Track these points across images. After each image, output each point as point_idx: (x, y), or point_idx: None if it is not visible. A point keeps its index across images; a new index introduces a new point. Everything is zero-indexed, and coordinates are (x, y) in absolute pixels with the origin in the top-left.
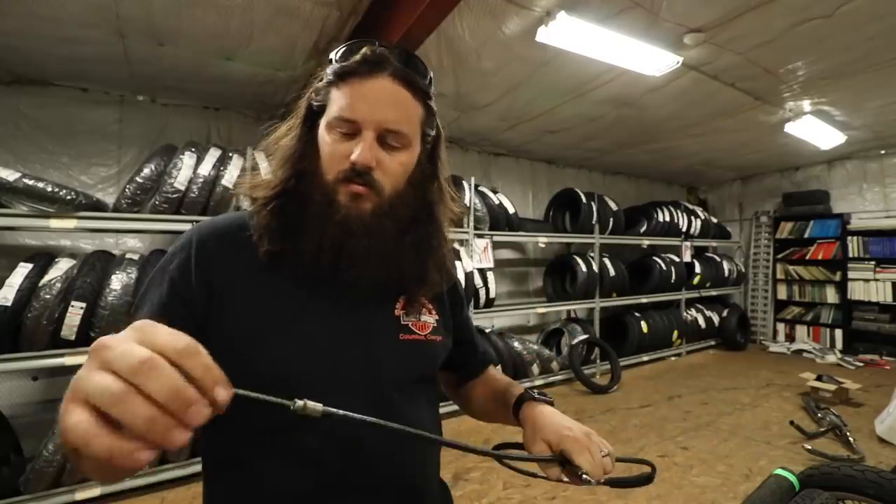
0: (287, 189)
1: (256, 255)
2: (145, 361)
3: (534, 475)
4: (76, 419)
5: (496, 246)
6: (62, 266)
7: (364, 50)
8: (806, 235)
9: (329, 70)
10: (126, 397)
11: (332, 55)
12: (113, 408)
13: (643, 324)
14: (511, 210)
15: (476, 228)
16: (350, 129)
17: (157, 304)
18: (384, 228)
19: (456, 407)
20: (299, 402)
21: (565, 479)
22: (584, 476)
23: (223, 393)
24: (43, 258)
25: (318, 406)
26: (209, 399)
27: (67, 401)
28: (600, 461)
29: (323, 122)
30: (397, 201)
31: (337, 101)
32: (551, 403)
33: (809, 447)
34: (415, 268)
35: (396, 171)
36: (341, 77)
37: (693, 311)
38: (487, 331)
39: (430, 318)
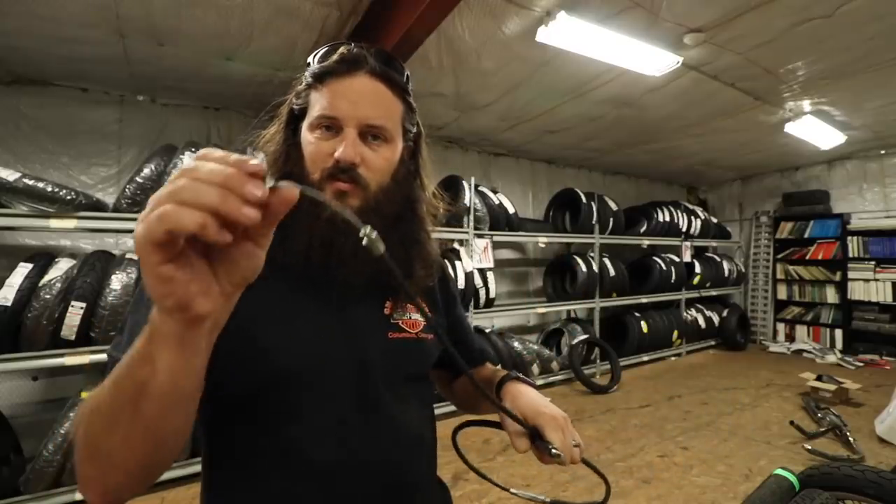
0: None
1: None
2: (184, 171)
3: (490, 479)
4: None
5: (496, 246)
6: (62, 266)
7: (341, 50)
8: (806, 235)
9: (307, 72)
10: (191, 187)
11: (309, 58)
12: (187, 196)
13: (643, 324)
14: (511, 210)
15: (476, 228)
16: (332, 128)
17: (150, 300)
18: (371, 225)
19: (453, 407)
20: (368, 229)
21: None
22: (554, 451)
23: (252, 163)
24: (43, 258)
25: (382, 246)
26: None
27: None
28: (570, 445)
29: (305, 124)
30: (383, 197)
31: (318, 102)
32: (534, 386)
33: (809, 447)
34: (402, 264)
35: (381, 166)
36: (320, 78)
37: (693, 311)
38: (487, 331)
39: (420, 316)
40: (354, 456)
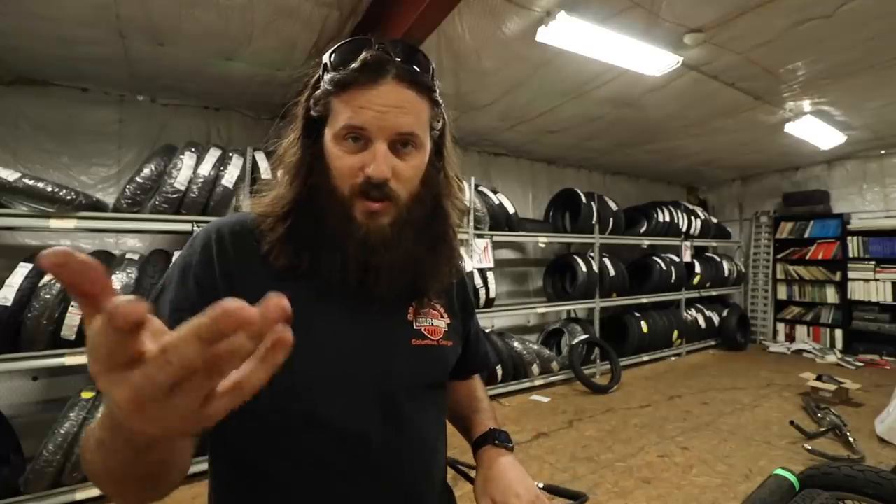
0: (299, 205)
1: (269, 262)
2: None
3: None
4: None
5: (496, 246)
6: None
7: (362, 56)
8: (806, 235)
9: (327, 78)
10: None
11: (325, 58)
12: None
13: (643, 324)
14: (511, 210)
15: (476, 228)
16: (359, 138)
17: (185, 303)
18: (405, 238)
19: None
20: None
21: None
22: None
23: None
24: None
25: None
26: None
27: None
28: None
29: (329, 134)
30: (413, 205)
31: (341, 112)
32: (511, 450)
33: (809, 447)
34: (431, 266)
35: (411, 175)
36: (342, 87)
37: (693, 311)
38: (487, 331)
39: (441, 323)
40: (375, 467)
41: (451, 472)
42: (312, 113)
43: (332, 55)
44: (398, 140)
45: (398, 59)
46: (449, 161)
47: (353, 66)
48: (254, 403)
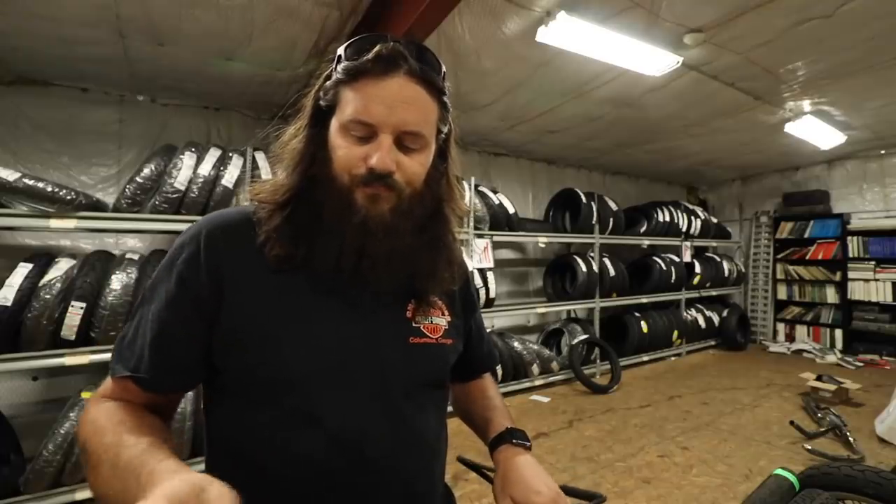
0: (298, 194)
1: (265, 254)
2: None
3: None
4: None
5: (496, 246)
6: (62, 266)
7: (377, 48)
8: (806, 235)
9: (339, 68)
10: None
11: (340, 51)
12: None
13: (643, 324)
14: (511, 210)
15: (476, 228)
16: (366, 133)
17: (166, 301)
18: (403, 228)
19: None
20: None
21: None
22: None
23: None
24: (43, 258)
25: None
26: None
27: None
28: None
29: (335, 124)
30: (415, 200)
31: (350, 103)
32: (528, 448)
33: (809, 447)
34: (429, 266)
35: (416, 171)
36: (353, 76)
37: (693, 311)
38: (487, 331)
39: (441, 321)
40: (373, 465)
41: (452, 472)
42: (322, 102)
43: (348, 47)
44: (404, 136)
45: (411, 56)
46: (452, 167)
47: (366, 56)
48: (250, 394)
